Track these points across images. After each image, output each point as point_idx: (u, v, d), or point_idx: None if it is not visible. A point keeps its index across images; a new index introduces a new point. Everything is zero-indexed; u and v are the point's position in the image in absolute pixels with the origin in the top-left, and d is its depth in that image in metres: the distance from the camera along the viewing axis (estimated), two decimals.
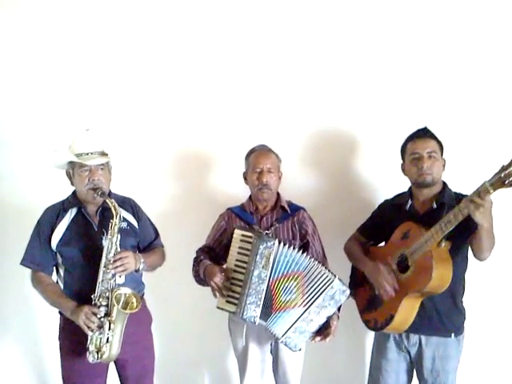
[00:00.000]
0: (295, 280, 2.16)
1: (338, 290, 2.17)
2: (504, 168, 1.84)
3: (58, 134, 2.61)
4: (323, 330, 2.19)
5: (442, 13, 2.64)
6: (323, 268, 2.17)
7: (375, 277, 2.22)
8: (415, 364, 2.30)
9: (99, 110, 2.80)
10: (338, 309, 2.22)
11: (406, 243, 2.17)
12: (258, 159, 2.34)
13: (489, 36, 2.63)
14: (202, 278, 2.28)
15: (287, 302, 2.16)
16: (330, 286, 2.14)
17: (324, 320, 2.19)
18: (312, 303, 2.15)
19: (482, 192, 1.89)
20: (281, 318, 2.16)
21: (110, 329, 2.06)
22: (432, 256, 2.05)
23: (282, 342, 2.19)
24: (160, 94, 2.81)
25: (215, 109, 2.80)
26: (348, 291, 2.19)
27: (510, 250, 2.58)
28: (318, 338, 2.19)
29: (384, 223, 2.34)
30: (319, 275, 2.15)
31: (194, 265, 2.38)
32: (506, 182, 1.83)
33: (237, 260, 2.23)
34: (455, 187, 2.27)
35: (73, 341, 2.16)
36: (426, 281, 2.05)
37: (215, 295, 2.24)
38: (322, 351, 2.64)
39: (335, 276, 2.16)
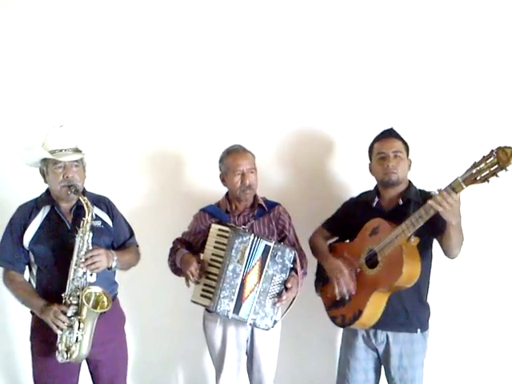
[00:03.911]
0: (257, 267, 2.21)
1: (281, 253, 2.22)
2: (475, 165, 1.85)
3: (30, 131, 2.58)
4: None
5: (407, 17, 2.70)
6: (262, 239, 2.21)
7: (334, 274, 2.24)
8: (383, 361, 2.30)
9: (73, 107, 2.78)
10: (296, 272, 2.25)
11: (375, 239, 2.17)
12: (238, 161, 2.32)
13: (455, 38, 2.68)
14: (178, 268, 2.30)
15: (251, 288, 2.20)
16: (272, 252, 2.20)
17: (280, 287, 2.23)
18: (263, 275, 2.20)
19: (448, 191, 1.90)
20: (247, 301, 2.20)
21: (79, 328, 2.03)
22: (402, 251, 2.06)
23: (250, 324, 2.21)
24: (134, 90, 2.80)
25: (190, 105, 2.80)
26: (293, 251, 2.24)
27: (474, 249, 2.59)
28: (278, 300, 2.22)
29: (349, 219, 2.35)
30: (261, 247, 2.20)
31: (170, 254, 2.39)
32: (478, 178, 1.85)
33: (213, 254, 2.26)
34: (421, 186, 2.31)
35: (44, 341, 2.12)
36: (396, 276, 2.06)
37: (188, 285, 2.26)
38: (295, 348, 2.68)
39: (272, 241, 2.22)
